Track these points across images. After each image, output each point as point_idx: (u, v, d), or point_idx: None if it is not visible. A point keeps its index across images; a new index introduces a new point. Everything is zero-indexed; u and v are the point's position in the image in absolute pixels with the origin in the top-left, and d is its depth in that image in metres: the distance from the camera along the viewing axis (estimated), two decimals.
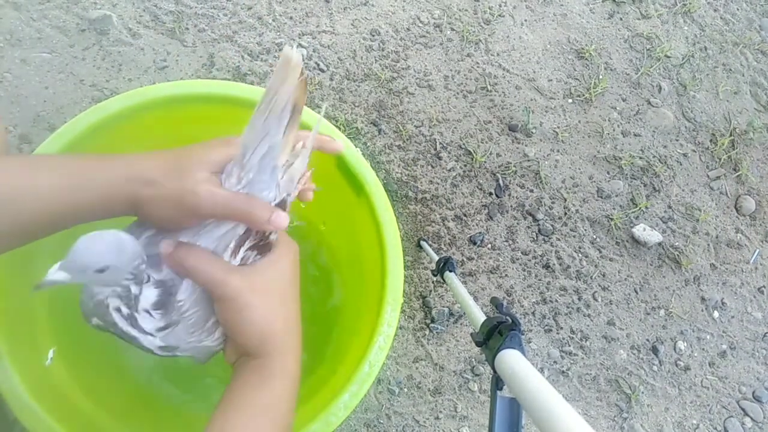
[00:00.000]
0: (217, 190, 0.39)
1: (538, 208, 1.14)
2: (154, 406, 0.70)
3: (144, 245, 0.40)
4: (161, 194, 0.39)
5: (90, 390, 0.58)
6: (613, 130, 1.24)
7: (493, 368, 0.51)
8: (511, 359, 0.49)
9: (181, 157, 0.40)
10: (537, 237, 1.11)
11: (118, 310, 0.38)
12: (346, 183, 0.65)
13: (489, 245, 1.09)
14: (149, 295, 0.39)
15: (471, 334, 0.66)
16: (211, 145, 0.42)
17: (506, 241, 1.10)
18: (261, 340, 0.41)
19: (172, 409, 0.70)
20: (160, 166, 0.40)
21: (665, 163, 1.24)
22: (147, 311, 0.39)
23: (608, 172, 1.21)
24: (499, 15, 1.30)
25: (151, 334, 0.40)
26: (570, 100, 1.25)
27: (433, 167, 1.12)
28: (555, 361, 1.04)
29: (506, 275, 1.07)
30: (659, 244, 1.16)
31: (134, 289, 0.38)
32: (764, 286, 1.19)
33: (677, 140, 1.27)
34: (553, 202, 1.15)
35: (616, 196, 1.19)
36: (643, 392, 1.05)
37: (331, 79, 1.14)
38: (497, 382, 0.50)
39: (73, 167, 0.40)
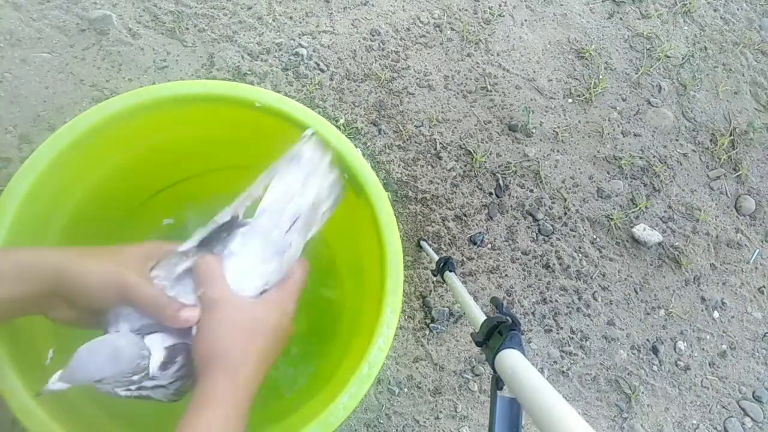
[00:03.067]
0: (145, 286, 0.44)
1: (538, 208, 1.14)
2: (153, 406, 0.70)
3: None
4: (96, 275, 0.42)
5: (90, 390, 0.58)
6: (613, 130, 1.24)
7: (493, 368, 0.51)
8: (511, 359, 0.49)
9: (113, 248, 0.46)
10: (537, 237, 1.11)
11: (128, 389, 0.42)
12: (346, 183, 0.64)
13: (489, 245, 1.09)
14: (155, 362, 0.42)
15: (471, 334, 0.66)
16: (143, 244, 0.47)
17: (506, 241, 1.10)
18: (209, 356, 0.43)
19: (171, 409, 0.70)
20: (89, 251, 0.45)
21: (665, 163, 1.24)
22: (154, 377, 0.43)
23: (608, 172, 1.21)
24: (499, 15, 1.30)
25: (163, 386, 0.44)
26: (570, 100, 1.25)
27: (433, 167, 1.12)
28: (555, 361, 1.04)
29: (506, 275, 1.07)
30: (659, 244, 1.16)
31: (136, 378, 0.41)
32: (764, 286, 1.19)
33: (677, 140, 1.27)
34: (553, 202, 1.15)
35: (616, 196, 1.19)
36: (643, 392, 1.05)
37: (331, 79, 1.14)
38: (497, 382, 0.50)
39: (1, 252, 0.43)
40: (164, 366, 0.43)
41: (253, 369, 0.43)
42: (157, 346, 0.43)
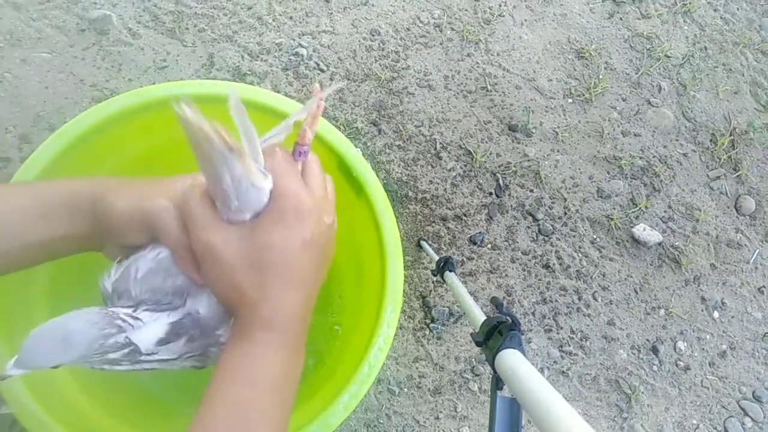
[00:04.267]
0: (174, 216, 0.38)
1: (538, 208, 1.14)
2: (153, 406, 0.70)
3: (155, 270, 0.39)
4: (128, 203, 0.38)
5: (90, 390, 0.58)
6: (613, 129, 1.24)
7: (493, 368, 0.51)
8: (511, 359, 0.49)
9: (153, 182, 0.40)
10: (537, 237, 1.11)
11: (119, 364, 0.37)
12: (346, 183, 0.64)
13: (489, 245, 1.09)
14: (150, 337, 0.38)
15: (471, 334, 0.66)
16: (174, 178, 0.41)
17: (506, 241, 1.10)
18: (232, 308, 0.37)
19: (171, 409, 0.70)
20: (127, 182, 0.40)
21: (665, 162, 1.24)
22: (151, 353, 0.38)
23: (608, 172, 1.21)
24: (499, 15, 1.30)
25: (174, 360, 0.40)
26: (570, 100, 1.25)
27: (433, 167, 1.12)
28: (555, 361, 1.04)
29: (506, 275, 1.07)
30: (659, 244, 1.16)
31: (116, 356, 0.36)
32: (764, 286, 1.19)
33: (677, 140, 1.27)
34: (553, 202, 1.15)
35: (616, 196, 1.19)
36: (643, 392, 1.05)
37: (331, 79, 1.14)
38: (497, 382, 0.50)
39: (37, 185, 0.40)
40: (163, 342, 0.38)
41: (287, 306, 0.37)
42: (161, 320, 0.38)
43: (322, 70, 1.15)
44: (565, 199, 1.16)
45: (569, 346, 1.05)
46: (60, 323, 0.36)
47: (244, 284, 0.36)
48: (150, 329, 0.38)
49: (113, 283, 0.39)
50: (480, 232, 1.09)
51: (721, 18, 1.44)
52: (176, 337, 0.39)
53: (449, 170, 1.12)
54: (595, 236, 1.15)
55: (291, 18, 1.18)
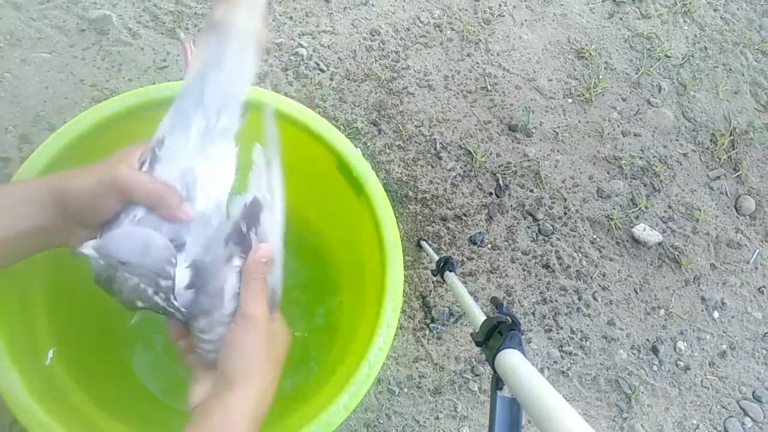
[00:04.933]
0: (140, 173, 0.41)
1: (538, 208, 1.14)
2: (153, 407, 0.70)
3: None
4: (90, 180, 0.40)
5: (90, 390, 0.58)
6: (613, 129, 1.24)
7: (493, 368, 0.51)
8: (511, 359, 0.49)
9: (100, 162, 0.44)
10: (537, 237, 1.11)
11: (156, 293, 0.39)
12: (346, 183, 0.64)
13: (489, 245, 1.09)
14: (179, 280, 0.40)
15: (471, 334, 0.66)
16: (125, 148, 0.45)
17: (506, 241, 1.10)
18: (238, 365, 0.40)
19: (171, 409, 0.70)
20: (80, 167, 0.43)
21: (665, 162, 1.24)
22: (179, 295, 0.40)
23: (608, 172, 1.21)
24: (499, 15, 1.30)
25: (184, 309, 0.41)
26: (570, 100, 1.25)
27: (433, 167, 1.12)
28: (555, 361, 1.04)
29: (506, 275, 1.07)
30: (659, 244, 1.16)
31: (163, 283, 0.39)
32: (764, 286, 1.19)
33: (677, 140, 1.27)
34: (553, 202, 1.15)
35: (616, 196, 1.19)
36: (643, 392, 1.05)
37: (331, 79, 1.14)
38: (497, 382, 0.50)
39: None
40: (189, 286, 0.40)
41: (273, 386, 0.42)
42: (182, 266, 0.40)
43: (322, 70, 1.15)
44: (565, 199, 1.16)
45: (569, 346, 1.05)
46: (143, 230, 0.39)
47: (264, 357, 0.41)
48: (178, 272, 0.40)
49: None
50: (480, 232, 1.09)
51: (721, 18, 1.44)
52: (194, 285, 0.41)
53: (449, 170, 1.12)
54: (595, 236, 1.15)
55: (291, 18, 1.18)
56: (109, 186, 0.40)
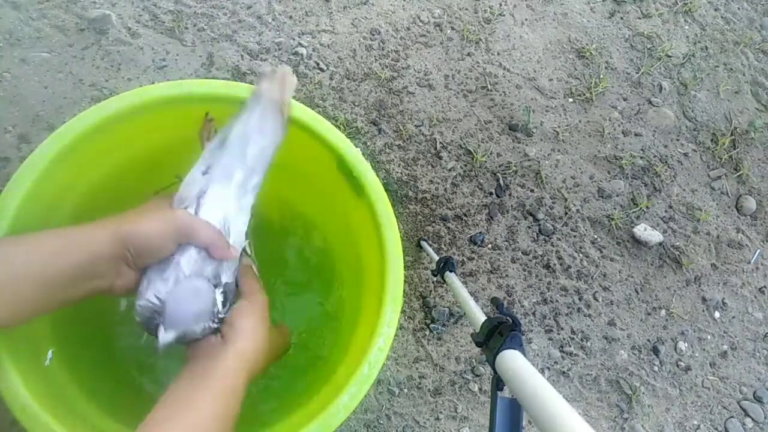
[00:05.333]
0: (199, 219, 0.48)
1: (539, 208, 1.13)
2: (153, 407, 0.70)
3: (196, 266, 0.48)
4: (157, 223, 0.46)
5: (90, 390, 0.58)
6: (614, 129, 1.24)
7: (493, 369, 0.51)
8: (511, 360, 0.49)
9: (145, 205, 0.50)
10: (537, 237, 1.11)
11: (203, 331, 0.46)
12: (346, 183, 0.64)
13: (489, 245, 1.08)
14: (219, 300, 0.48)
15: (471, 335, 0.66)
16: (154, 200, 0.52)
17: (506, 241, 1.09)
18: (239, 333, 0.46)
19: None
20: (134, 211, 0.49)
21: (666, 162, 1.24)
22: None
23: (609, 172, 1.20)
24: (500, 14, 1.29)
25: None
26: (571, 100, 1.25)
27: (433, 167, 1.12)
28: (555, 362, 1.03)
29: (506, 275, 1.07)
30: (660, 244, 1.16)
31: (216, 310, 0.47)
32: (765, 287, 1.19)
33: (678, 140, 1.27)
34: (553, 202, 1.15)
35: (617, 195, 1.19)
36: (644, 393, 1.05)
37: (331, 79, 1.14)
38: (497, 383, 0.50)
39: (53, 233, 0.46)
40: (224, 303, 0.47)
41: (265, 361, 0.48)
42: (219, 295, 0.48)
43: (322, 70, 1.14)
44: (566, 199, 1.15)
45: (570, 346, 1.05)
46: (183, 282, 0.46)
47: (264, 334, 0.49)
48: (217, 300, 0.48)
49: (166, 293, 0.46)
50: (480, 232, 1.08)
51: (722, 17, 1.44)
52: (227, 297, 0.49)
53: (449, 170, 1.12)
54: (595, 236, 1.14)
55: (291, 17, 1.18)
56: (175, 228, 0.46)
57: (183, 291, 0.45)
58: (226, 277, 0.49)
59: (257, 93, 0.55)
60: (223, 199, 0.51)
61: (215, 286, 0.47)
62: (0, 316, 0.41)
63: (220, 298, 0.47)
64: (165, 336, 0.43)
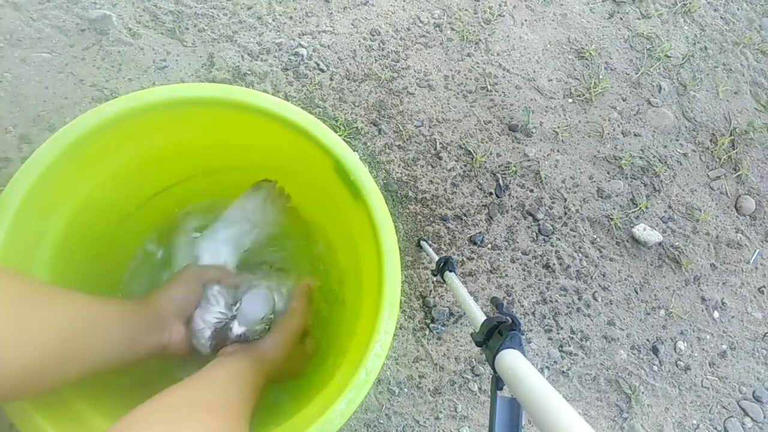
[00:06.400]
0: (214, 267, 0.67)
1: (538, 208, 1.13)
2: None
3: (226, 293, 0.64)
4: (177, 283, 0.62)
5: (88, 395, 0.58)
6: (614, 129, 1.24)
7: (493, 368, 0.51)
8: (511, 359, 0.49)
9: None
10: (537, 237, 1.11)
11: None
12: (343, 186, 0.64)
13: (489, 245, 1.08)
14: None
15: (471, 334, 0.66)
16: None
17: (506, 241, 1.10)
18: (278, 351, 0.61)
19: None
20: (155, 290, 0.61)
21: (665, 162, 1.24)
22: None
23: (608, 172, 1.20)
24: (499, 15, 1.29)
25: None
26: (570, 100, 1.25)
27: (433, 167, 1.12)
28: (555, 361, 1.04)
29: (506, 275, 1.07)
30: (659, 244, 1.16)
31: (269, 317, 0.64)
32: (764, 286, 1.19)
33: (677, 140, 1.27)
34: (553, 202, 1.15)
35: (616, 195, 1.19)
36: (643, 392, 1.05)
37: (331, 79, 1.14)
38: (497, 382, 0.50)
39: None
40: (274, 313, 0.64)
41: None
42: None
43: (322, 70, 1.15)
44: (565, 199, 1.15)
45: (569, 346, 1.05)
46: (258, 288, 0.63)
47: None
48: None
49: (237, 314, 0.61)
50: (480, 232, 1.09)
51: (721, 18, 1.44)
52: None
53: (449, 170, 1.12)
54: (595, 236, 1.15)
55: (291, 18, 1.18)
56: (197, 278, 0.61)
57: (255, 295, 0.60)
58: (276, 300, 0.65)
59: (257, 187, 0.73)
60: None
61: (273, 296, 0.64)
62: (40, 389, 0.44)
63: (279, 305, 0.62)
64: (237, 329, 0.56)
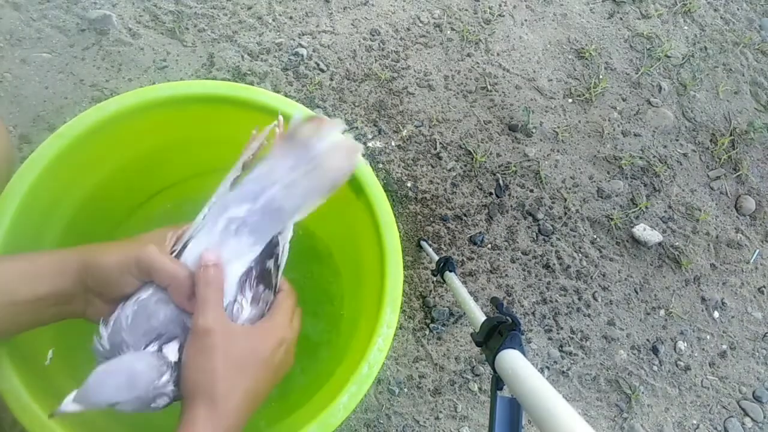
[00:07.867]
0: (164, 255, 0.43)
1: (538, 208, 1.13)
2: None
3: (139, 313, 0.42)
4: (116, 256, 0.43)
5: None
6: (614, 129, 1.24)
7: (493, 368, 0.51)
8: (511, 359, 0.49)
9: (134, 238, 0.47)
10: (537, 237, 1.11)
11: (157, 398, 0.41)
12: (345, 184, 0.64)
13: (489, 245, 1.08)
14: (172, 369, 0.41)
15: (471, 334, 0.66)
16: (154, 230, 0.48)
17: (506, 241, 1.10)
18: (194, 388, 0.40)
19: (170, 411, 0.70)
20: (113, 242, 0.47)
21: (665, 162, 1.24)
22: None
23: (608, 172, 1.20)
24: (499, 15, 1.30)
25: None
26: (570, 100, 1.25)
27: (433, 167, 1.12)
28: (555, 361, 1.04)
29: (506, 275, 1.07)
30: (659, 244, 1.16)
31: (156, 403, 0.41)
32: (764, 286, 1.19)
33: (677, 140, 1.27)
34: (553, 202, 1.15)
35: (616, 195, 1.19)
36: (643, 392, 1.05)
37: (331, 79, 1.14)
38: (497, 382, 0.50)
39: (26, 253, 0.45)
40: (177, 366, 0.42)
41: (237, 408, 0.40)
42: (173, 350, 0.42)
43: (322, 70, 1.15)
44: (565, 199, 1.15)
45: (569, 346, 1.05)
46: (127, 362, 0.39)
47: (219, 375, 0.40)
48: (171, 354, 0.41)
49: (108, 339, 0.41)
50: (480, 232, 1.09)
51: (721, 18, 1.44)
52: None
53: (449, 170, 1.12)
54: (595, 236, 1.15)
55: (291, 18, 1.18)
56: (133, 263, 0.42)
57: (116, 368, 0.38)
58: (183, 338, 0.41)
59: (300, 139, 0.46)
60: (212, 245, 0.44)
61: (167, 341, 0.41)
62: None
63: (175, 353, 0.40)
64: (67, 406, 0.36)
